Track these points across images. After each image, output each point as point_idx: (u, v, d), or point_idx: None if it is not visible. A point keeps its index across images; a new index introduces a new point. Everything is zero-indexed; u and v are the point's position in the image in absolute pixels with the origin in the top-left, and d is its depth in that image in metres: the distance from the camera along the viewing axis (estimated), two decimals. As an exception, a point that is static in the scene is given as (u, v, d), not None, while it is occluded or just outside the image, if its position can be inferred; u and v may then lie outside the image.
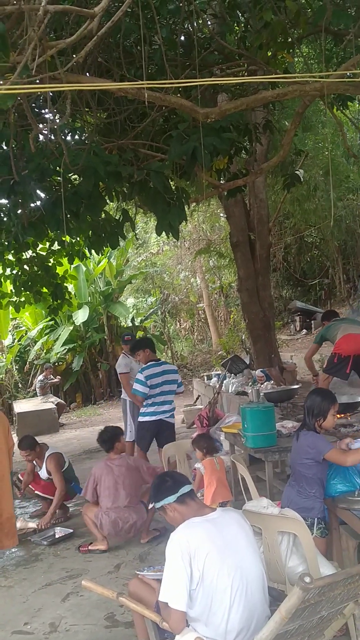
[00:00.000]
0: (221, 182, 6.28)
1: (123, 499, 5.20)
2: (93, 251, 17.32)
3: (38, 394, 14.77)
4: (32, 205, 4.99)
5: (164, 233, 4.67)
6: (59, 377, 15.73)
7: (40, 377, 14.91)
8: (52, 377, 15.19)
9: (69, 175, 4.80)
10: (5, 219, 5.98)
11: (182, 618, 2.53)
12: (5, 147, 4.63)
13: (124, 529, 5.14)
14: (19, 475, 6.71)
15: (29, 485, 6.54)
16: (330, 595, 2.40)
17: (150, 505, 2.90)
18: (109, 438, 5.46)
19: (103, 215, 5.33)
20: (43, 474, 6.45)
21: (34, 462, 6.40)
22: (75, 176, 5.13)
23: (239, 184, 5.83)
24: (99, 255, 6.19)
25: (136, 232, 7.75)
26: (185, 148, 4.05)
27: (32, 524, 5.98)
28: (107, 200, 5.24)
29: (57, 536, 5.65)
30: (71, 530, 5.71)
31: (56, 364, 16.63)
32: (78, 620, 3.97)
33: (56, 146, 4.33)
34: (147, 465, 5.61)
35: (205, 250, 15.64)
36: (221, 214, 17.61)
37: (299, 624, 2.40)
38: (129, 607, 2.79)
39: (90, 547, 5.22)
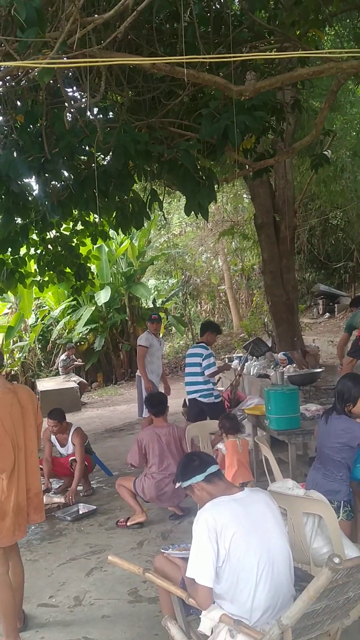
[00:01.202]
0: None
1: (171, 465, 5.26)
2: (115, 232, 17.29)
3: (60, 373, 14.94)
4: (60, 184, 4.98)
5: (192, 214, 4.63)
6: (81, 360, 15.83)
7: (63, 357, 15.07)
8: (74, 357, 15.33)
9: (97, 155, 4.77)
10: (30, 198, 5.99)
11: (209, 594, 2.56)
12: (35, 126, 4.62)
13: (166, 494, 5.21)
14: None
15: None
16: (358, 577, 2.41)
17: (177, 484, 2.92)
18: (159, 402, 5.59)
19: (131, 194, 5.30)
20: (64, 450, 6.55)
21: (54, 440, 6.50)
22: (102, 155, 5.12)
23: (269, 163, 5.75)
24: (125, 235, 6.18)
25: (163, 211, 7.70)
26: (217, 127, 4.00)
27: (57, 499, 6.08)
28: (136, 180, 5.23)
29: (80, 512, 5.75)
30: (94, 507, 5.80)
31: (78, 343, 16.76)
32: (102, 595, 4.04)
33: (87, 124, 4.31)
34: (185, 440, 5.67)
35: (228, 231, 15.52)
36: (244, 195, 17.46)
37: (325, 603, 2.42)
38: (154, 582, 2.82)
39: (128, 523, 5.30)
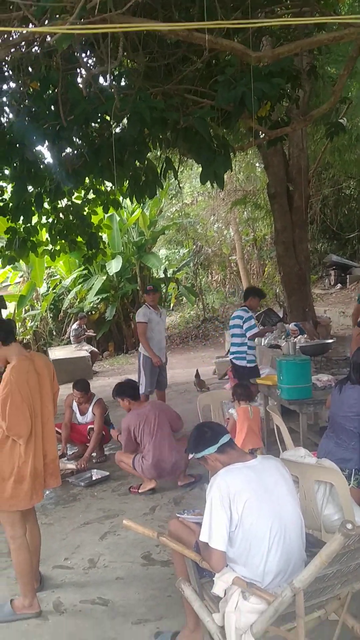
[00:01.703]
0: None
1: (165, 441, 5.37)
2: (127, 200, 17.18)
3: (72, 342, 15.01)
4: (75, 152, 4.94)
5: (208, 183, 4.59)
6: (92, 330, 15.90)
7: (75, 326, 15.10)
8: (85, 327, 15.39)
9: (112, 123, 4.73)
10: (42, 166, 5.95)
11: (222, 557, 2.63)
12: (49, 93, 4.57)
13: (166, 470, 5.33)
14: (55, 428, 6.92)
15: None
16: (369, 543, 2.46)
17: (190, 456, 2.97)
18: (134, 387, 5.70)
19: (145, 163, 5.26)
20: (83, 418, 6.67)
21: (74, 408, 6.62)
22: (116, 123, 5.07)
23: (286, 131, 5.67)
24: (139, 203, 6.14)
25: (177, 179, 7.63)
26: (234, 94, 3.93)
27: (71, 465, 6.20)
28: (150, 147, 5.17)
29: (94, 478, 5.85)
30: (107, 473, 5.90)
31: (89, 313, 16.83)
32: (116, 558, 4.15)
33: (102, 91, 4.25)
34: (170, 408, 5.85)
35: (241, 201, 15.38)
36: (257, 164, 17.24)
37: (337, 568, 2.47)
38: (169, 546, 2.89)
39: (140, 490, 5.40)
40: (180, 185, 12.92)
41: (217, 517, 2.60)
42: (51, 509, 5.20)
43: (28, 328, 17.03)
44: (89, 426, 6.54)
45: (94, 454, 6.60)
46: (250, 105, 3.92)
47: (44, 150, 5.62)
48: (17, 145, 4.43)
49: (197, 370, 9.82)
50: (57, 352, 14.49)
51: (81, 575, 3.93)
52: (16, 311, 16.86)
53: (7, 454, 3.26)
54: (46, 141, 4.50)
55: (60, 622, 3.39)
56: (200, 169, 4.72)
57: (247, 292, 7.44)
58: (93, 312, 17.10)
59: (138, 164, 5.08)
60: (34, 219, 10.23)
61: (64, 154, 4.92)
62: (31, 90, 4.64)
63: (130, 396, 5.57)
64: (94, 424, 6.37)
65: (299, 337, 8.44)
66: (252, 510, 2.62)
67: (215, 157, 4.35)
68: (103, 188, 10.31)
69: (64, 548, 4.39)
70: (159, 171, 5.42)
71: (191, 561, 2.82)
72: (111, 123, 4.58)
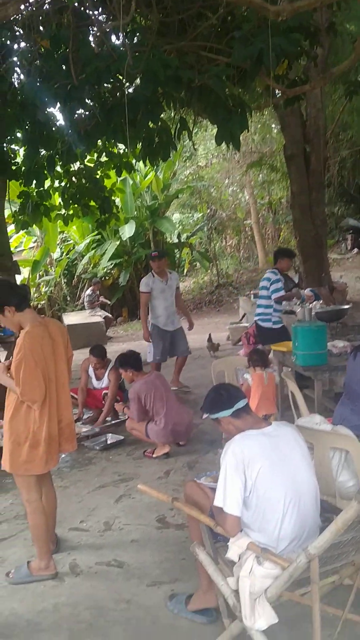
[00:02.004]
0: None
1: (176, 404, 5.55)
2: (140, 164, 16.92)
3: (86, 308, 15.04)
4: (87, 113, 4.82)
5: (223, 144, 4.47)
6: (104, 297, 15.86)
7: (88, 292, 15.09)
8: (98, 292, 15.36)
9: (125, 82, 4.59)
10: (54, 128, 5.82)
11: (236, 522, 2.63)
12: (60, 51, 4.43)
13: (181, 433, 5.46)
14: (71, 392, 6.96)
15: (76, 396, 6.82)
16: (385, 511, 2.44)
17: (205, 416, 2.95)
18: (137, 359, 5.69)
19: (159, 124, 5.12)
20: (99, 383, 6.71)
21: (90, 373, 6.65)
22: (129, 83, 4.92)
23: (305, 89, 5.50)
24: (152, 166, 6.00)
25: (192, 141, 7.44)
26: (251, 50, 3.79)
27: (85, 429, 6.25)
28: (164, 108, 5.03)
29: (109, 442, 5.90)
30: (122, 437, 5.94)
31: (103, 278, 16.80)
32: (131, 521, 4.19)
33: (114, 49, 4.12)
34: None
35: (256, 163, 15.10)
36: (273, 125, 16.86)
37: (352, 535, 2.47)
38: (183, 510, 2.90)
39: (154, 455, 5.44)
40: (195, 147, 12.56)
41: (232, 483, 2.59)
42: (67, 472, 5.26)
43: (42, 293, 17.06)
44: (104, 391, 6.59)
45: (108, 418, 6.65)
46: (267, 62, 3.77)
47: (56, 113, 5.52)
48: (28, 106, 4.31)
49: (209, 335, 9.76)
50: (71, 318, 14.54)
51: (97, 538, 3.99)
52: (30, 276, 16.88)
53: (22, 419, 3.27)
54: (57, 102, 4.38)
55: (76, 583, 3.44)
56: (216, 129, 4.58)
57: (276, 253, 7.26)
58: (107, 278, 17.06)
59: (151, 125, 4.94)
60: (47, 183, 10.17)
61: (75, 115, 4.80)
62: (42, 49, 4.50)
63: (133, 367, 5.57)
64: (109, 389, 6.41)
65: (314, 302, 8.36)
66: (266, 477, 2.62)
67: (231, 116, 4.21)
68: (116, 151, 10.15)
69: (80, 511, 4.44)
70: (172, 132, 5.28)
71: (205, 526, 2.83)
72: (124, 82, 4.44)
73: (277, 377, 5.63)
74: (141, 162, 17.71)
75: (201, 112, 5.18)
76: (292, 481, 2.65)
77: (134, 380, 5.59)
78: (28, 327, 3.28)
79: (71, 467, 5.40)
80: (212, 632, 2.89)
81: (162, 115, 5.33)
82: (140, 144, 5.49)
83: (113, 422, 5.95)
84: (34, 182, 8.26)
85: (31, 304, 17.54)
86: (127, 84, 4.58)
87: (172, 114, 6.59)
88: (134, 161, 11.24)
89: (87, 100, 4.56)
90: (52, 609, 3.21)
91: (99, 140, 6.55)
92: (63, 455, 5.64)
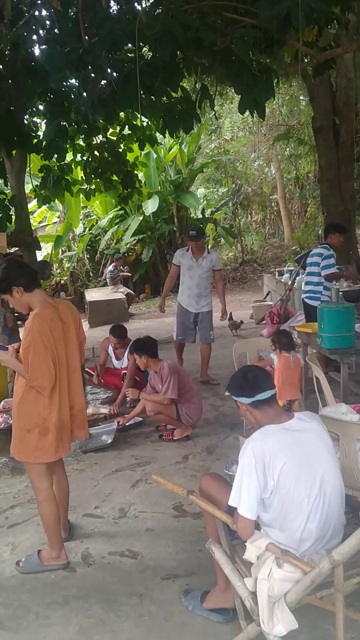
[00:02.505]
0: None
1: (194, 386, 5.47)
2: (164, 137, 16.56)
3: (108, 284, 14.87)
4: (102, 81, 4.55)
5: (247, 113, 4.17)
6: (127, 268, 15.66)
7: (111, 268, 14.87)
8: (122, 268, 15.20)
9: (142, 46, 4.30)
10: (73, 97, 5.57)
11: (249, 525, 2.46)
12: (73, 13, 4.17)
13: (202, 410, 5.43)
14: (88, 369, 6.86)
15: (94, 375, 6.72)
16: None
17: (227, 393, 2.76)
18: (151, 344, 5.46)
19: (179, 93, 4.82)
20: (119, 363, 6.57)
21: (110, 352, 6.52)
22: (147, 48, 4.64)
23: (337, 53, 5.16)
24: (173, 137, 5.68)
25: (215, 111, 7.09)
26: (278, 9, 3.48)
27: (103, 410, 6.13)
28: (185, 74, 4.71)
29: (127, 424, 5.75)
30: (140, 419, 5.79)
31: (126, 254, 16.58)
32: (146, 508, 4.05)
33: (130, 9, 3.85)
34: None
35: (283, 136, 14.62)
36: (301, 97, 16.31)
37: (380, 539, 2.27)
38: (199, 505, 2.73)
39: (175, 437, 5.29)
40: (219, 118, 11.96)
41: (249, 484, 2.42)
42: (83, 455, 5.14)
43: (65, 269, 16.94)
44: (123, 371, 6.44)
45: (127, 398, 6.52)
46: (296, 23, 3.47)
47: (73, 82, 5.26)
48: (41, 73, 4.08)
49: (230, 313, 9.35)
50: (93, 294, 14.41)
51: (111, 525, 3.85)
52: (53, 252, 16.75)
53: (31, 405, 3.12)
54: (69, 68, 4.11)
55: (87, 574, 3.31)
56: (239, 98, 4.26)
57: (327, 228, 6.85)
58: (130, 254, 16.84)
59: (171, 92, 4.64)
60: (69, 157, 9.98)
61: (89, 82, 4.52)
62: (53, 10, 4.23)
63: (148, 353, 5.38)
64: (127, 369, 6.25)
65: (341, 281, 8.07)
66: (289, 476, 2.43)
67: (256, 82, 3.89)
68: (139, 123, 9.89)
69: (95, 496, 4.31)
70: (194, 100, 4.97)
71: (222, 522, 2.66)
72: (140, 46, 4.15)
73: (302, 359, 5.41)
74: (166, 135, 17.35)
75: (223, 79, 4.85)
76: (317, 479, 2.46)
77: (148, 366, 5.41)
78: (37, 309, 3.11)
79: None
80: (228, 632, 2.75)
81: (182, 84, 5.02)
82: (162, 114, 5.20)
83: (134, 422, 5.72)
84: (55, 155, 8.11)
85: (54, 279, 17.33)
86: (144, 47, 4.28)
87: (193, 82, 6.17)
88: (158, 135, 10.99)
89: (102, 65, 4.29)
90: (62, 602, 3.08)
91: (120, 112, 6.23)
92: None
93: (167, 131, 5.27)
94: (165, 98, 4.65)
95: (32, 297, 3.14)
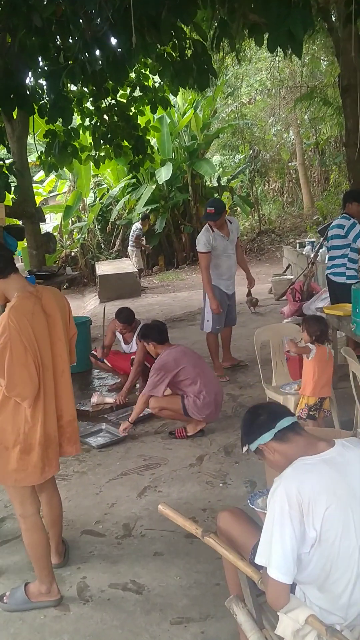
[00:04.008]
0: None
1: (211, 372, 4.90)
2: (178, 100, 15.66)
3: (130, 243, 13.85)
4: (93, 12, 3.74)
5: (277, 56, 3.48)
6: (148, 246, 14.76)
7: (139, 225, 13.78)
8: (144, 237, 14.26)
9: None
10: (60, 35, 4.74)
11: (283, 592, 1.87)
12: None
13: (220, 403, 4.80)
14: (93, 352, 6.30)
15: (105, 361, 6.11)
16: None
17: (244, 449, 2.17)
18: (160, 330, 4.92)
19: (192, 33, 4.07)
20: (127, 348, 6.01)
21: (118, 335, 5.95)
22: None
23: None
24: (185, 88, 4.93)
25: (236, 55, 6.27)
26: None
27: (109, 399, 5.59)
28: (200, 5, 3.89)
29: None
30: (151, 410, 5.23)
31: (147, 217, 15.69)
32: (155, 524, 3.49)
33: None
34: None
35: (307, 96, 13.67)
36: (322, 58, 15.31)
37: None
38: (217, 551, 2.17)
39: (188, 434, 4.73)
40: (240, 59, 10.52)
41: (282, 537, 1.83)
42: (86, 454, 4.60)
43: (75, 241, 16.30)
44: (132, 356, 5.86)
45: (137, 386, 5.97)
46: None
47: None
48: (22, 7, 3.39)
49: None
50: (104, 267, 13.81)
51: (113, 547, 3.31)
52: (62, 222, 16.11)
53: (10, 418, 2.55)
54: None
55: (83, 615, 2.77)
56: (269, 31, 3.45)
57: (345, 196, 6.04)
58: (143, 226, 16.13)
59: (182, 26, 3.81)
60: (77, 122, 9.31)
61: (81, 17, 3.78)
62: None
63: (155, 340, 4.80)
64: (136, 354, 5.67)
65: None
66: (334, 523, 1.84)
67: (291, 11, 3.13)
68: (150, 84, 9.16)
69: (97, 506, 3.77)
70: (209, 37, 4.14)
71: (246, 575, 2.09)
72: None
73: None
74: (179, 97, 16.35)
75: (249, 10, 4.04)
76: (370, 526, 1.87)
77: (157, 354, 4.83)
78: (14, 300, 2.51)
79: (91, 447, 4.74)
80: None
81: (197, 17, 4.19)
82: (167, 58, 4.40)
83: (144, 415, 5.11)
84: (60, 119, 7.45)
85: (64, 252, 16.67)
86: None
87: (210, 17, 5.15)
88: (171, 97, 10.19)
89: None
90: (51, 652, 2.57)
91: (120, 49, 5.27)
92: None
93: (175, 82, 4.51)
94: (174, 36, 3.88)
95: (7, 285, 2.55)
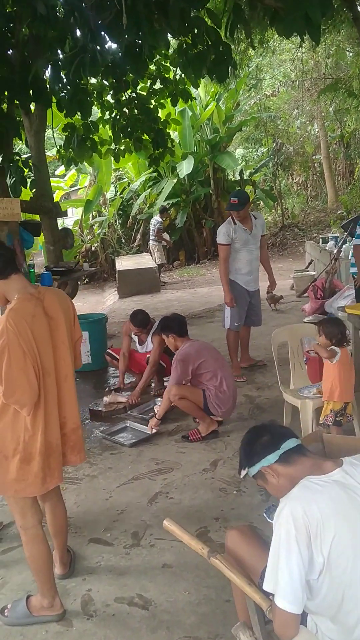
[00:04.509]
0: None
1: (229, 369, 4.82)
2: (200, 93, 15.44)
3: (150, 237, 13.68)
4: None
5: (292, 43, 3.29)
6: (169, 240, 14.51)
7: (158, 218, 13.63)
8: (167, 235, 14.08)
9: None
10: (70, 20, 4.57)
11: (292, 622, 1.73)
12: None
13: (235, 400, 4.74)
14: (110, 350, 6.20)
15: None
16: None
17: (243, 473, 2.03)
18: (180, 322, 4.84)
19: (206, 18, 3.87)
20: (142, 348, 5.89)
21: (134, 337, 5.83)
22: None
23: None
24: (200, 79, 4.75)
25: (252, 45, 6.04)
26: None
27: (122, 399, 5.47)
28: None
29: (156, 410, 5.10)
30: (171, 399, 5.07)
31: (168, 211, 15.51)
32: (164, 534, 3.29)
33: None
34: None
35: (331, 87, 13.35)
36: (347, 49, 14.94)
37: None
38: (224, 574, 2.03)
39: (202, 435, 4.59)
40: (254, 46, 10.14)
41: (288, 563, 1.69)
42: (97, 456, 4.49)
43: (96, 235, 16.22)
44: (147, 355, 5.73)
45: (151, 385, 5.86)
46: None
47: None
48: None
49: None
50: (123, 262, 13.70)
51: (121, 557, 3.18)
52: (83, 217, 16.04)
53: (9, 426, 2.43)
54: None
55: (86, 631, 2.65)
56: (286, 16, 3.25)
57: None
58: (163, 219, 15.99)
59: (194, 11, 3.63)
60: (98, 115, 9.20)
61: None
62: None
63: (176, 332, 4.70)
64: (151, 354, 5.54)
65: None
66: (344, 549, 1.70)
67: None
68: (171, 76, 8.99)
69: (105, 513, 3.65)
70: (223, 25, 3.97)
71: (254, 602, 1.95)
72: None
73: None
74: (201, 90, 16.10)
75: None
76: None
77: (177, 347, 4.72)
78: (14, 302, 2.39)
79: (103, 449, 4.62)
80: None
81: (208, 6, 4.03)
82: (186, 48, 4.21)
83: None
84: (78, 112, 7.34)
85: (84, 246, 16.58)
86: None
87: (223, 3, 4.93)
88: (192, 89, 9.98)
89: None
90: (51, 672, 2.45)
91: (127, 36, 4.99)
92: (96, 432, 4.91)
93: (188, 72, 4.33)
94: (186, 23, 3.68)
95: (7, 286, 2.42)
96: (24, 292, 2.43)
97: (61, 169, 16.81)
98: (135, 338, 5.85)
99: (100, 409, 5.32)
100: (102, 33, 3.79)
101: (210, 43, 3.97)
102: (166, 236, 13.89)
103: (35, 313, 2.40)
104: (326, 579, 1.72)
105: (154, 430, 4.73)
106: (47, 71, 6.61)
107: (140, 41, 4.29)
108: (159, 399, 5.27)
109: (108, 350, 6.30)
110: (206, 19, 3.79)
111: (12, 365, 2.30)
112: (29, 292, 2.44)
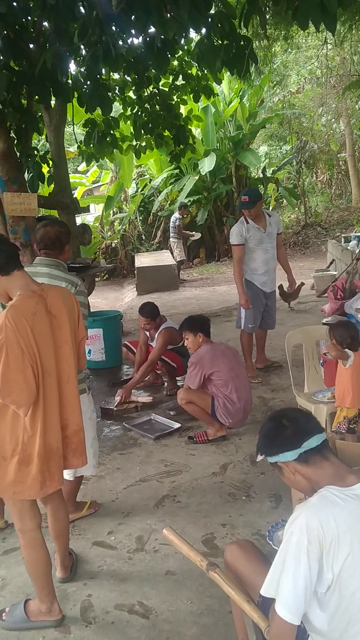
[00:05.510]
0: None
1: (246, 380, 4.59)
2: (224, 89, 15.29)
3: (170, 234, 13.62)
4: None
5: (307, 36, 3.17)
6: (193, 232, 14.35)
7: (177, 215, 13.50)
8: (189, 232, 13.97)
9: None
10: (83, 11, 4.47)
11: (289, 633, 1.64)
12: None
13: (247, 414, 4.55)
14: (127, 342, 6.17)
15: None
16: None
17: (259, 457, 1.94)
18: (204, 323, 4.70)
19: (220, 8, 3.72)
20: (154, 342, 5.83)
21: (148, 333, 5.76)
22: None
23: None
24: (212, 71, 4.64)
25: (266, 35, 5.87)
26: None
27: (134, 397, 5.41)
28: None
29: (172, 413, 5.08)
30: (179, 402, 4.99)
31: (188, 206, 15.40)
32: (170, 539, 3.29)
33: None
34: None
35: (356, 83, 13.12)
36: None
37: None
38: (223, 589, 1.94)
39: (209, 438, 4.51)
40: (268, 39, 9.86)
41: (295, 572, 1.60)
42: (106, 456, 4.42)
43: (116, 232, 16.19)
44: (158, 352, 5.66)
45: (165, 385, 5.79)
46: None
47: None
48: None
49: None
50: (142, 259, 13.64)
51: (124, 562, 3.11)
52: (104, 213, 16.02)
53: (8, 426, 2.36)
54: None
55: (84, 638, 2.57)
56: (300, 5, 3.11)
57: None
58: (184, 216, 15.89)
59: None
60: (121, 111, 9.14)
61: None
62: None
63: (198, 331, 4.59)
64: (150, 354, 5.50)
65: None
66: (357, 570, 1.60)
67: None
68: (193, 72, 8.89)
69: (111, 515, 3.58)
70: (237, 15, 3.83)
71: (252, 620, 1.86)
72: None
73: None
74: (225, 86, 15.97)
75: None
76: None
77: (201, 346, 4.62)
78: (15, 299, 2.32)
79: (112, 449, 4.56)
80: None
81: None
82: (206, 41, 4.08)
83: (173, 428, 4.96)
84: (98, 108, 7.27)
85: (104, 242, 16.56)
86: None
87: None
88: (215, 85, 9.85)
89: None
90: None
91: (137, 28, 4.80)
92: (106, 432, 4.86)
93: (201, 65, 4.21)
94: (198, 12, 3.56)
95: (9, 283, 2.36)
96: (26, 289, 2.36)
97: (83, 165, 16.80)
98: (148, 333, 5.77)
99: (111, 407, 5.26)
100: (114, 26, 3.69)
101: (225, 34, 3.84)
102: (188, 233, 13.80)
103: (36, 311, 2.33)
104: (334, 596, 1.62)
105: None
106: (68, 65, 6.57)
107: (153, 30, 4.18)
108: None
109: (125, 342, 6.27)
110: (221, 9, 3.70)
111: (9, 364, 2.23)
112: (31, 289, 2.37)
